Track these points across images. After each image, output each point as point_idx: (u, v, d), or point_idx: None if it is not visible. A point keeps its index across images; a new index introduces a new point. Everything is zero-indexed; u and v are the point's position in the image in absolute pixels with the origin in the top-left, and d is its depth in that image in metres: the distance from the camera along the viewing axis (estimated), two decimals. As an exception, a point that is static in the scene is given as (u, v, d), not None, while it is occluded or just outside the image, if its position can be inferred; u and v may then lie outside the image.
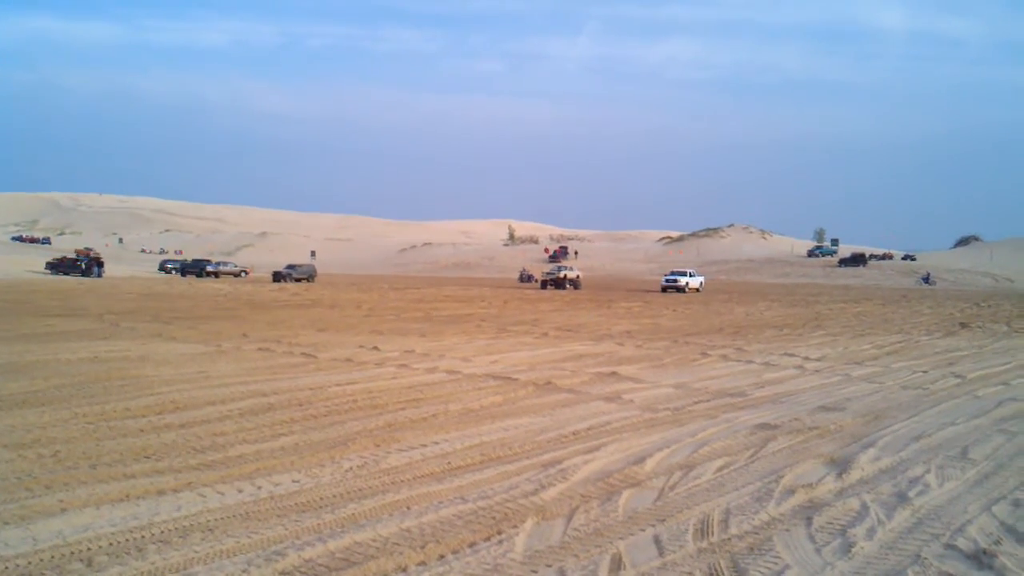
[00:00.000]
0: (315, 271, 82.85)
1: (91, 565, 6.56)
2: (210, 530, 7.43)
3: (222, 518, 7.78)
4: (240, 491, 8.68)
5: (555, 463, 10.04)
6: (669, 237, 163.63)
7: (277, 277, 78.00)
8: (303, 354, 20.26)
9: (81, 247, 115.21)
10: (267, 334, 25.39)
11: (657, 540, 7.45)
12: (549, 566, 6.76)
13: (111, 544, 7.02)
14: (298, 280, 76.81)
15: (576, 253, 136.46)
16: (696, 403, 14.50)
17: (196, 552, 6.86)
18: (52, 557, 6.70)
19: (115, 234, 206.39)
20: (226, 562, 6.68)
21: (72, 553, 6.79)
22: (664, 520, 8.00)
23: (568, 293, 63.66)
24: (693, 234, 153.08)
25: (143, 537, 7.20)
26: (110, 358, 18.79)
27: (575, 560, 6.89)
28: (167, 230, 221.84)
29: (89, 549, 6.88)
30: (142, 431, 11.32)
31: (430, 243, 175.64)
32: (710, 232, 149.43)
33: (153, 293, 51.45)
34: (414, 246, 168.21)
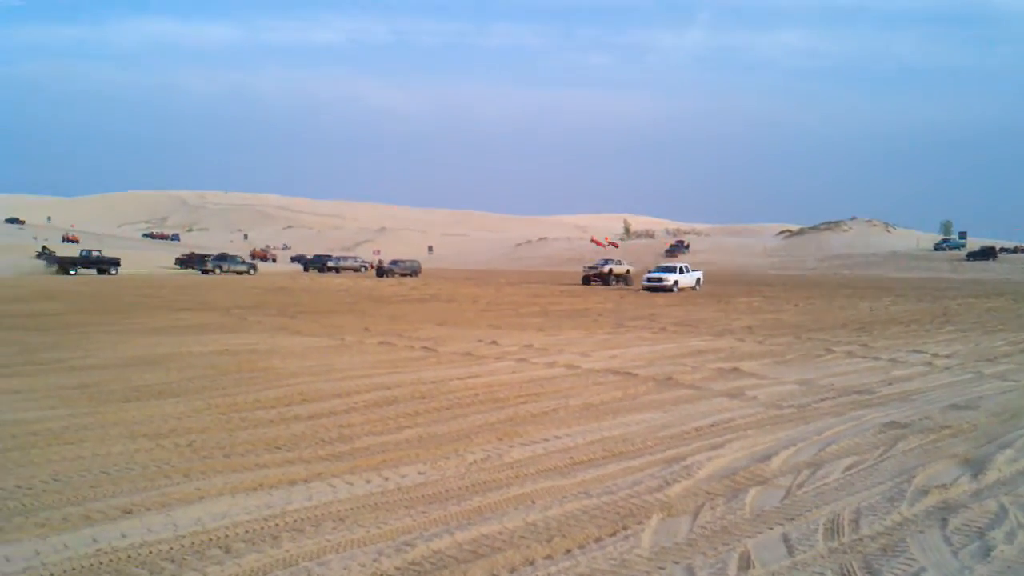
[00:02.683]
0: (419, 266, 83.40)
1: (229, 551, 6.78)
2: (341, 520, 7.60)
3: (352, 508, 7.94)
4: (368, 482, 8.85)
5: (679, 459, 9.95)
6: (788, 231, 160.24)
7: (381, 272, 79.02)
8: (423, 348, 20.52)
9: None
10: (388, 328, 25.82)
11: (786, 539, 7.32)
12: (677, 563, 6.71)
13: (247, 532, 7.24)
14: (403, 275, 77.68)
15: (688, 246, 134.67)
16: (822, 400, 14.18)
17: (329, 541, 7.03)
18: (192, 543, 6.94)
19: (240, 230, 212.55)
20: (358, 551, 6.83)
21: (211, 540, 7.03)
22: (792, 519, 7.85)
23: (681, 295, 60.38)
24: (814, 227, 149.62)
25: (277, 525, 7.41)
26: (239, 351, 19.37)
27: (703, 558, 6.82)
28: (289, 226, 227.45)
29: (227, 536, 7.11)
30: (272, 422, 11.64)
31: (545, 238, 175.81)
32: (831, 225, 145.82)
33: (277, 288, 52.83)
34: (529, 241, 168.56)
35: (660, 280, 55.67)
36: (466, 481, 8.97)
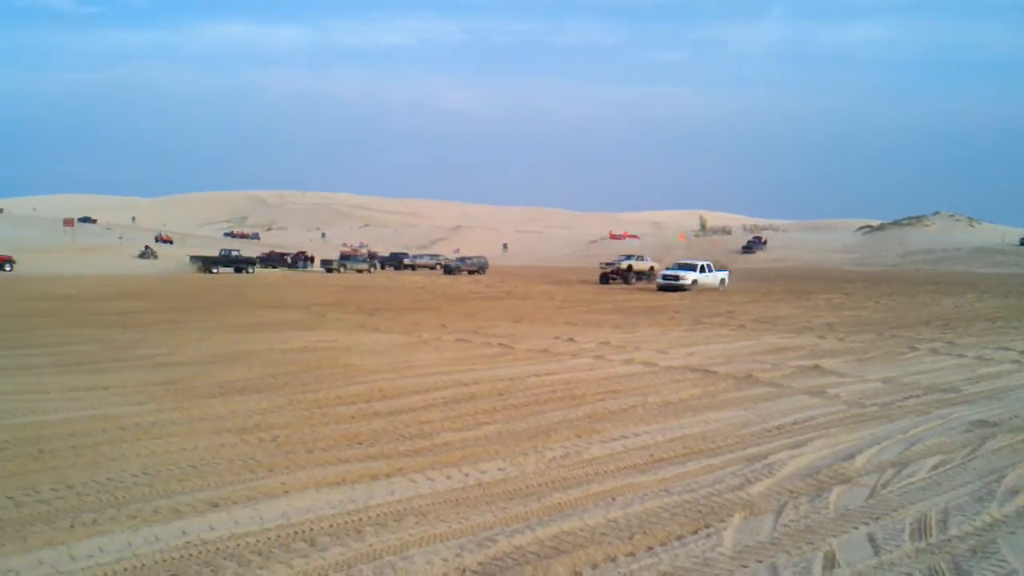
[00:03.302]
0: (486, 263, 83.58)
1: (314, 545, 6.88)
2: (423, 515, 7.67)
3: (433, 503, 8.00)
4: (449, 478, 8.91)
5: (760, 457, 9.85)
6: (869, 226, 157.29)
7: (449, 270, 79.44)
8: (500, 345, 20.60)
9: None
10: (464, 325, 25.97)
11: (872, 539, 7.20)
12: (760, 562, 6.64)
13: (331, 525, 7.34)
14: (470, 272, 77.99)
15: (765, 242, 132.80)
16: (906, 398, 13.91)
17: (411, 535, 7.10)
18: (278, 536, 7.06)
19: (317, 229, 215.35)
20: (440, 546, 6.88)
21: (296, 533, 7.14)
22: (878, 518, 7.72)
23: (755, 287, 57.59)
24: (895, 223, 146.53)
25: (360, 520, 7.50)
26: (319, 348, 19.65)
27: (787, 557, 6.74)
28: (366, 225, 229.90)
29: (311, 530, 7.22)
30: (353, 418, 11.78)
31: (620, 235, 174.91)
32: (913, 220, 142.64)
33: (355, 285, 53.46)
34: (603, 237, 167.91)
35: (676, 278, 50.80)
36: (546, 478, 8.98)
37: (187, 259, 76.35)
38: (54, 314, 29.28)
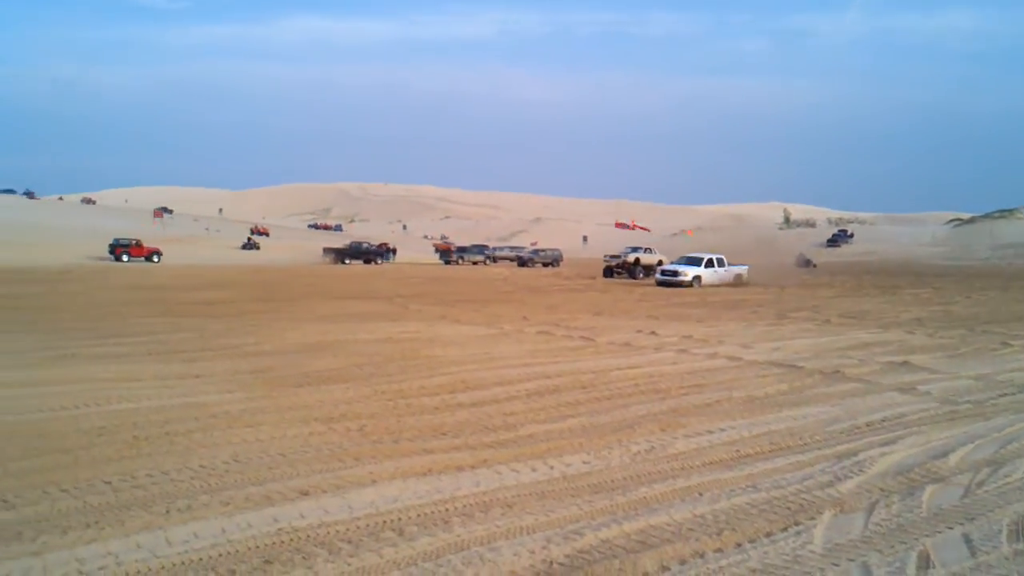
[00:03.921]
0: (560, 256, 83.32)
1: (403, 534, 6.95)
2: (509, 506, 7.70)
3: (519, 495, 8.03)
4: (534, 470, 8.92)
5: (850, 454, 9.67)
6: (959, 219, 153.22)
7: (522, 262, 79.53)
8: (582, 338, 20.56)
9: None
10: (546, 318, 25.98)
11: (967, 539, 7.02)
12: (852, 560, 6.53)
13: (419, 515, 7.41)
14: (545, 265, 77.99)
15: (852, 235, 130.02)
16: (1000, 396, 13.53)
17: (498, 527, 7.13)
18: (367, 525, 7.15)
19: (399, 221, 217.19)
20: (527, 538, 6.90)
21: (385, 522, 7.22)
22: (973, 519, 7.53)
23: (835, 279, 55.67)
24: (986, 216, 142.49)
25: (447, 510, 7.56)
26: (402, 339, 19.84)
27: (879, 556, 6.61)
28: (447, 217, 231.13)
29: (399, 519, 7.30)
30: (437, 409, 11.87)
31: (700, 228, 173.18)
32: (1005, 213, 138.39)
33: (436, 277, 53.90)
34: (684, 230, 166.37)
35: (675, 274, 46.68)
36: (631, 471, 8.94)
37: (301, 251, 79.18)
38: (145, 303, 30.07)
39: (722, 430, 10.85)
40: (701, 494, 8.15)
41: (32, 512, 7.36)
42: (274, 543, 6.73)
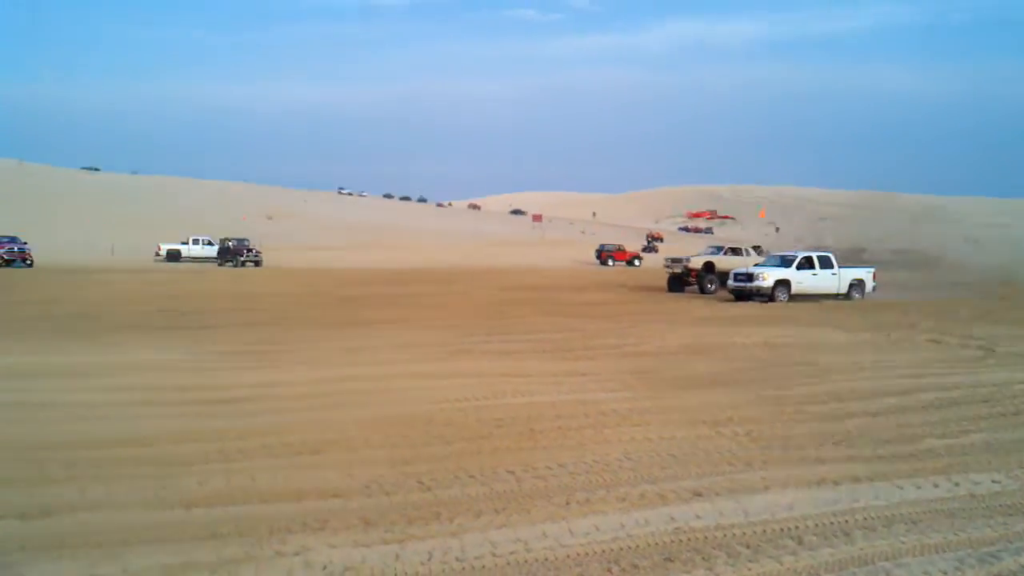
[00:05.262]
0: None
1: (802, 543, 6.82)
2: (913, 522, 7.33)
3: (923, 511, 7.62)
4: (936, 486, 8.43)
5: None
6: None
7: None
8: (979, 347, 19.08)
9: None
10: (937, 325, 24.29)
11: None
12: None
13: (817, 525, 7.23)
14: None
15: None
16: None
17: (903, 543, 6.82)
18: (764, 531, 7.08)
19: (771, 223, 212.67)
20: (935, 557, 6.55)
21: (782, 530, 7.11)
22: None
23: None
24: None
25: (847, 522, 7.32)
26: (779, 343, 19.45)
27: None
28: (822, 219, 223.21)
29: (797, 528, 7.16)
30: (825, 417, 11.51)
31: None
32: None
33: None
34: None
35: (749, 278, 33.87)
36: (1051, 495, 8.20)
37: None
38: (524, 303, 31.68)
39: None
40: None
41: (446, 495, 7.96)
42: (671, 541, 6.83)
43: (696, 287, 40.05)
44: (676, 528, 7.11)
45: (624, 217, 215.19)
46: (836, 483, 8.43)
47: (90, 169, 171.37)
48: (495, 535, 6.92)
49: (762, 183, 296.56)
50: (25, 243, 57.44)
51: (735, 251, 42.13)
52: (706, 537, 6.92)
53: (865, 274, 35.76)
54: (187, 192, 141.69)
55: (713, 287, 38.92)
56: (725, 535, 6.98)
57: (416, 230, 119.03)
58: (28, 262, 55.16)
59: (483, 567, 6.34)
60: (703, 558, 6.50)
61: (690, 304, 32.64)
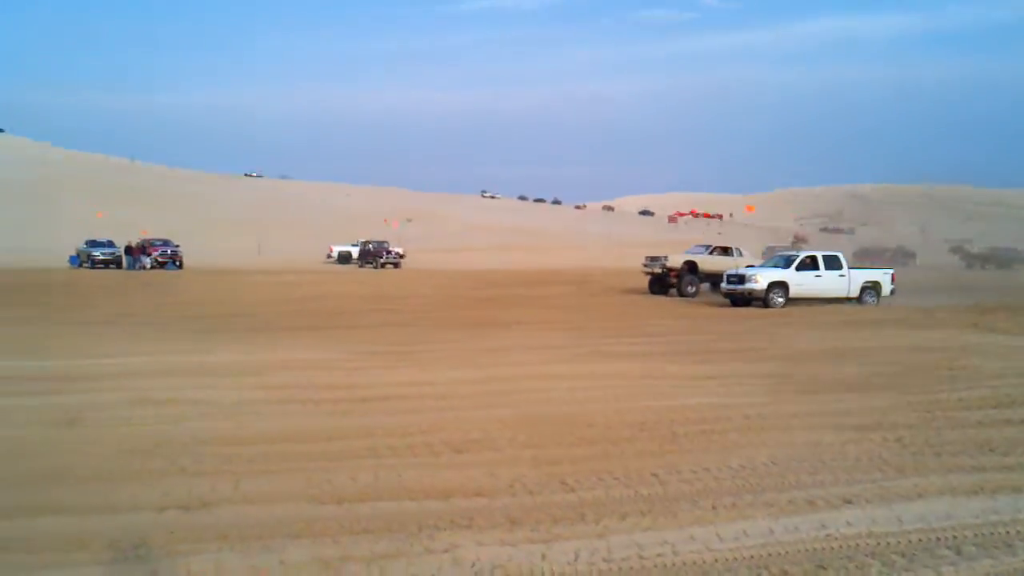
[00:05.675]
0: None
1: (960, 553, 6.61)
2: (1081, 536, 7.01)
3: (1089, 525, 7.28)
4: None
5: None
6: None
7: None
8: None
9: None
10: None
11: None
12: None
13: (975, 535, 7.00)
14: None
15: None
16: None
17: (1069, 557, 6.54)
18: (919, 540, 6.88)
19: (916, 223, 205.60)
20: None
21: (938, 539, 6.91)
22: None
23: None
24: None
25: (1008, 533, 7.06)
26: (929, 347, 18.79)
27: None
28: (970, 218, 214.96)
29: (955, 537, 6.94)
30: (980, 424, 11.08)
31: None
32: None
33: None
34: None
35: (740, 280, 31.08)
36: None
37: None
38: (655, 305, 31.53)
39: None
40: None
41: (591, 496, 7.99)
42: (823, 548, 6.71)
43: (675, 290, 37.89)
44: (827, 535, 6.97)
45: (762, 216, 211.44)
46: (994, 492, 8.12)
47: (251, 175, 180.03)
48: (641, 537, 6.91)
49: (909, 182, 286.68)
50: (177, 246, 60.28)
51: (724, 250, 39.09)
52: (858, 545, 6.77)
53: (882, 276, 32.59)
54: (334, 197, 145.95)
55: (693, 289, 37.11)
56: (879, 543, 6.81)
57: (552, 232, 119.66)
58: (178, 264, 57.76)
59: (630, 568, 6.35)
60: (856, 566, 6.36)
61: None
